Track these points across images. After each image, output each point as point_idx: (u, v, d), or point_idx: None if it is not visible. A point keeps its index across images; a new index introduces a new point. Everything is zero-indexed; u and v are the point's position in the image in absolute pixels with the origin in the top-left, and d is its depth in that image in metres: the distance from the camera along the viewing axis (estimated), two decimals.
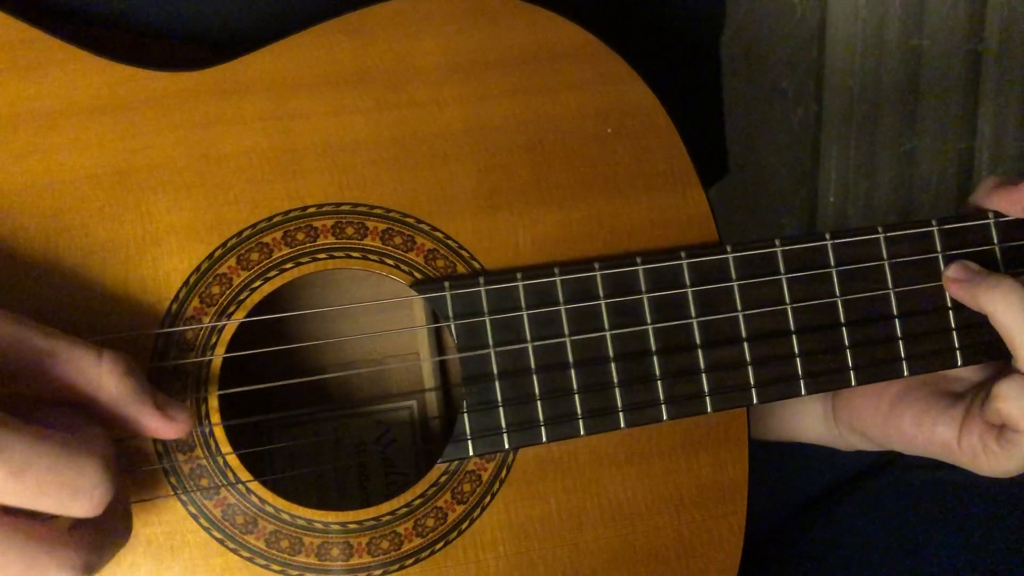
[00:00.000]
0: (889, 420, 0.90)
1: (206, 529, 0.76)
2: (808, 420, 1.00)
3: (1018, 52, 1.98)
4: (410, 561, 0.79)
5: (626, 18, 0.95)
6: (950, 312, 0.86)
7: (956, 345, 0.86)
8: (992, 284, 0.82)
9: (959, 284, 0.84)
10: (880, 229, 0.85)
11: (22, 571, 0.61)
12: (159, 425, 0.69)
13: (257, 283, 0.77)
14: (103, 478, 0.63)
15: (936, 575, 1.01)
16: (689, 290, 0.81)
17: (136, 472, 0.75)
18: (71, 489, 0.62)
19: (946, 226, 0.86)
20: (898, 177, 1.99)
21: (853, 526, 1.06)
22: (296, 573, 0.78)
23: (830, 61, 1.94)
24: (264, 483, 0.77)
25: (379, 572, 0.79)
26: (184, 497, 0.76)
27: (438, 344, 0.92)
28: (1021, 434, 0.81)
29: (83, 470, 0.62)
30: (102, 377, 0.67)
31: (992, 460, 0.84)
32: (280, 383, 0.82)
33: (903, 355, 0.85)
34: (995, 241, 0.87)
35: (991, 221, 0.87)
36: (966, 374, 0.89)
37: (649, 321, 0.81)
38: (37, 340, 0.66)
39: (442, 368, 0.93)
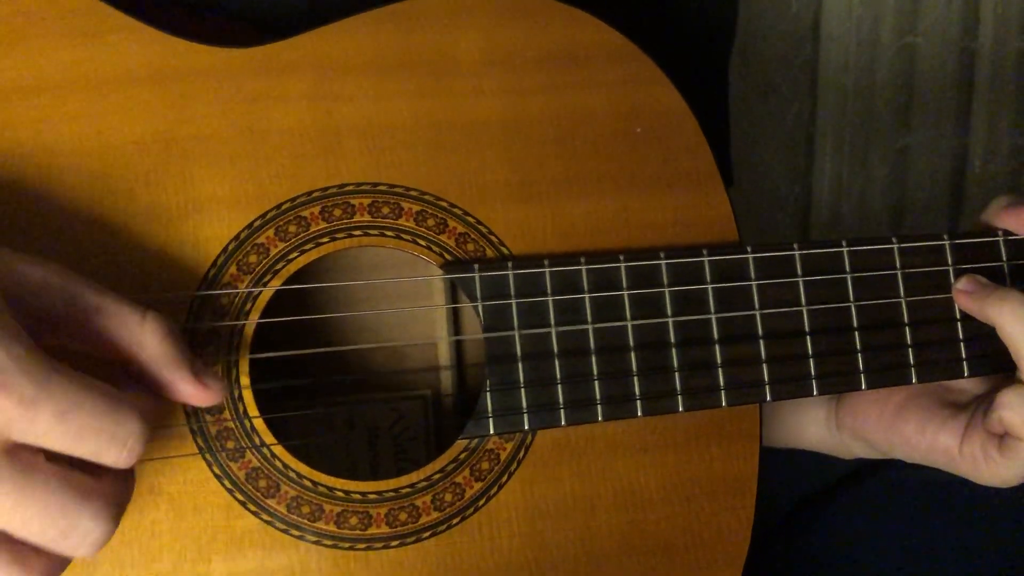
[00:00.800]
0: (892, 427, 0.92)
1: (229, 491, 0.78)
2: (811, 427, 1.01)
3: (1011, 50, 1.99)
4: (427, 534, 0.81)
5: (638, 27, 0.97)
6: (958, 323, 0.88)
7: (963, 356, 0.88)
8: (1001, 297, 0.84)
9: (968, 296, 0.86)
10: (894, 240, 0.87)
11: (57, 519, 0.62)
12: (193, 391, 0.70)
13: (293, 255, 0.79)
14: (140, 431, 0.64)
15: (934, 574, 1.04)
16: (710, 286, 0.83)
17: (164, 431, 0.77)
18: (109, 436, 0.63)
19: (957, 241, 0.88)
20: (892, 174, 1.99)
21: (852, 525, 1.08)
22: (314, 539, 0.79)
23: (824, 58, 1.94)
24: (288, 449, 0.79)
25: (396, 543, 0.80)
26: (209, 457, 0.78)
27: (456, 331, 0.94)
28: (1022, 442, 0.84)
29: (121, 420, 0.63)
30: (145, 336, 0.68)
31: (993, 468, 0.86)
32: (307, 351, 0.84)
33: (912, 362, 0.87)
34: (1004, 258, 0.89)
35: (1000, 239, 0.89)
36: (969, 386, 0.92)
37: (669, 314, 0.83)
38: (86, 293, 0.67)
39: (459, 354, 0.94)
